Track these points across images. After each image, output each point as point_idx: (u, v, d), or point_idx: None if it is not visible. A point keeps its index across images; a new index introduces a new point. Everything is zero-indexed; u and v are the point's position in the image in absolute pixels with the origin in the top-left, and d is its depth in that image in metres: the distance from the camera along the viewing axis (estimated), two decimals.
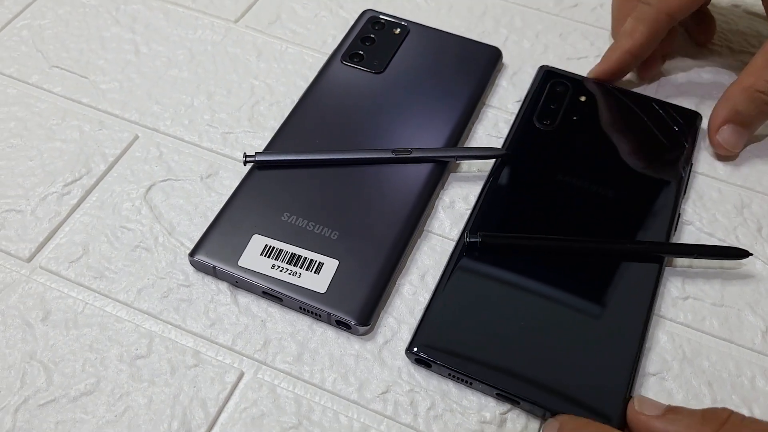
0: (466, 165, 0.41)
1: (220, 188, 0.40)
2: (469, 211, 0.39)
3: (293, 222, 0.37)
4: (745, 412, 0.33)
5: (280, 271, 0.35)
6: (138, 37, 0.47)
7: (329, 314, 0.34)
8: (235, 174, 0.40)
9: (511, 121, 0.43)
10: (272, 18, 0.48)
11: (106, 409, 0.32)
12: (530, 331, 0.34)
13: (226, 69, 0.45)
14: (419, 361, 0.34)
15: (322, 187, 0.38)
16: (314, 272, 0.35)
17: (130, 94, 0.44)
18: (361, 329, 0.34)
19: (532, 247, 0.37)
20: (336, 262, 0.36)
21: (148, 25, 0.47)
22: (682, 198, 0.40)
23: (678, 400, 0.33)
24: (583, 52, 0.47)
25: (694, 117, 0.43)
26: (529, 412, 0.33)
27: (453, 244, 0.38)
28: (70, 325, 0.34)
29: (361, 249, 0.36)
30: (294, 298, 0.35)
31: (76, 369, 0.33)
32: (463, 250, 0.37)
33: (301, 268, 0.35)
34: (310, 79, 0.44)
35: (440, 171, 0.40)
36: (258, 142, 0.42)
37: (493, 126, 0.43)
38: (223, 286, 0.36)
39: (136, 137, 0.42)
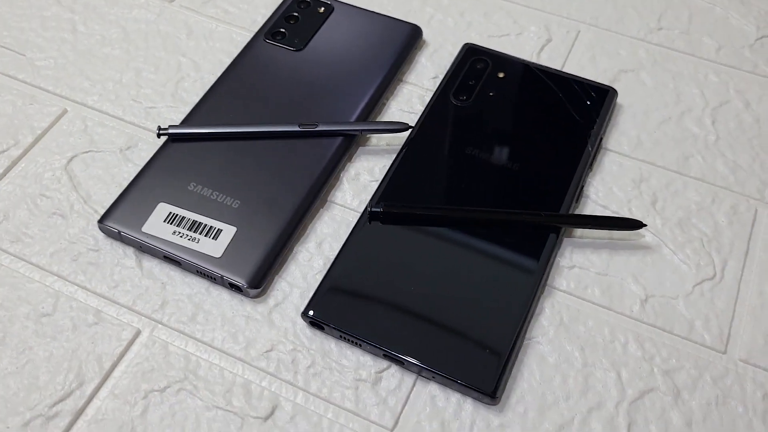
0: (375, 139, 0.43)
1: (137, 159, 0.42)
2: (373, 183, 0.41)
3: (198, 191, 0.39)
4: (613, 376, 0.34)
5: (180, 237, 0.37)
6: (76, 17, 0.49)
7: (222, 277, 0.36)
8: (153, 146, 0.42)
9: (426, 97, 0.45)
10: None
11: (9, 362, 0.35)
12: (422, 297, 0.36)
13: (157, 47, 0.47)
14: (313, 324, 0.36)
15: (230, 159, 0.40)
16: (212, 238, 0.37)
17: (64, 71, 0.46)
18: (252, 292, 0.36)
19: (432, 218, 0.39)
20: (234, 229, 0.38)
21: (87, 5, 0.49)
22: (587, 172, 0.41)
23: (549, 363, 0.35)
24: (506, 30, 0.48)
25: (607, 93, 0.44)
26: (407, 370, 0.34)
27: (353, 214, 0.40)
28: None
29: (260, 217, 0.38)
30: (191, 262, 0.37)
31: None
32: (366, 220, 0.39)
33: (200, 234, 0.37)
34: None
35: (347, 144, 0.41)
36: (179, 116, 0.44)
37: (407, 102, 0.45)
38: (129, 251, 0.38)
39: (65, 111, 0.44)
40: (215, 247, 0.37)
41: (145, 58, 0.47)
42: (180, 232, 0.37)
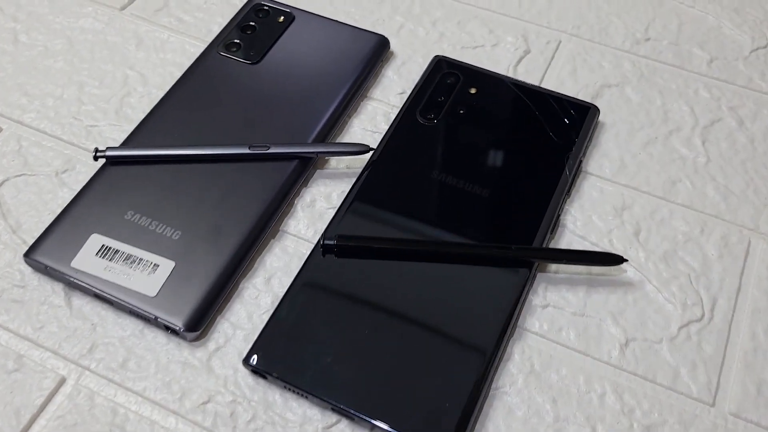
0: (334, 162, 0.39)
1: (74, 184, 0.38)
2: (329, 211, 0.37)
3: (136, 221, 0.35)
4: None
5: (113, 272, 0.34)
6: (19, 26, 0.45)
7: (156, 318, 0.33)
8: (92, 169, 0.39)
9: (392, 115, 0.41)
10: (159, 5, 0.46)
11: None
12: (377, 342, 0.32)
13: (103, 59, 0.44)
14: (256, 372, 0.32)
15: (173, 184, 0.37)
16: (148, 274, 0.34)
17: (1, 86, 0.42)
18: (190, 335, 0.33)
19: (391, 252, 0.35)
20: (172, 264, 0.34)
21: (31, 13, 0.46)
22: (565, 198, 0.37)
23: (517, 417, 0.31)
24: (480, 41, 0.45)
25: (588, 110, 0.40)
26: (358, 425, 0.31)
27: (307, 245, 0.36)
28: None
29: (202, 250, 0.34)
30: (123, 302, 0.33)
31: None
32: (318, 254, 0.35)
33: (134, 269, 0.34)
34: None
35: (302, 168, 0.38)
36: (122, 135, 0.40)
37: (371, 120, 0.41)
38: (58, 287, 0.35)
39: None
40: (150, 285, 0.33)
41: (89, 71, 0.43)
42: (112, 268, 0.34)
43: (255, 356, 0.32)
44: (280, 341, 0.32)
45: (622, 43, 0.44)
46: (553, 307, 0.34)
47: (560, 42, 0.45)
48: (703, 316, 0.34)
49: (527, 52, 0.44)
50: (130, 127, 0.40)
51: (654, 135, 0.40)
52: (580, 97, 0.41)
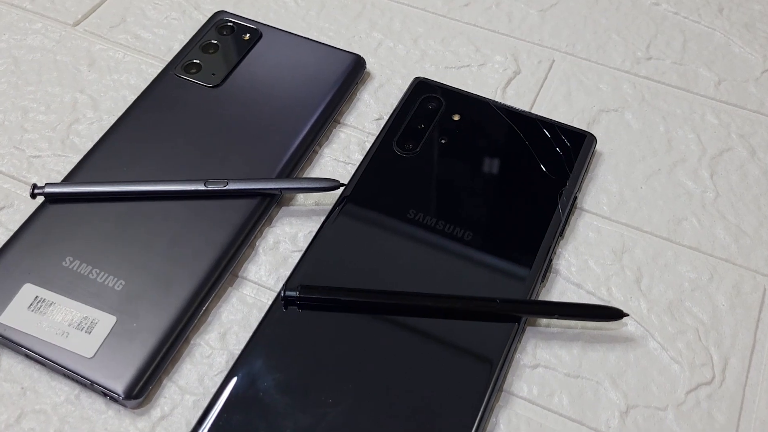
0: (301, 198, 0.35)
1: (11, 224, 0.34)
2: (295, 254, 0.33)
3: (75, 268, 0.31)
4: None
5: (46, 329, 0.30)
6: None
7: (93, 384, 0.29)
8: (33, 207, 0.35)
9: (368, 143, 0.37)
10: (116, 21, 0.42)
11: None
12: (345, 413, 0.28)
13: (51, 81, 0.40)
14: None
15: (118, 225, 0.33)
16: (85, 332, 0.30)
17: None
18: (131, 402, 0.29)
19: (361, 305, 0.31)
20: (113, 319, 0.30)
21: None
22: (557, 240, 0.33)
23: None
24: (466, 60, 0.41)
25: (584, 139, 0.36)
26: None
27: (269, 294, 0.32)
28: None
29: (148, 302, 0.31)
30: (56, 363, 0.29)
31: None
32: (279, 307, 0.31)
33: (70, 326, 0.30)
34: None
35: (265, 205, 0.34)
36: (67, 167, 0.36)
37: (344, 149, 0.37)
38: None
39: None
40: (87, 344, 0.29)
41: (36, 94, 0.39)
42: (47, 324, 0.30)
43: (203, 429, 0.28)
44: (232, 410, 0.28)
45: (621, 62, 0.41)
46: (543, 368, 0.30)
47: (553, 61, 0.41)
48: (713, 378, 0.30)
49: (517, 72, 0.40)
50: (77, 158, 0.36)
51: (657, 167, 0.36)
52: (575, 124, 0.38)
